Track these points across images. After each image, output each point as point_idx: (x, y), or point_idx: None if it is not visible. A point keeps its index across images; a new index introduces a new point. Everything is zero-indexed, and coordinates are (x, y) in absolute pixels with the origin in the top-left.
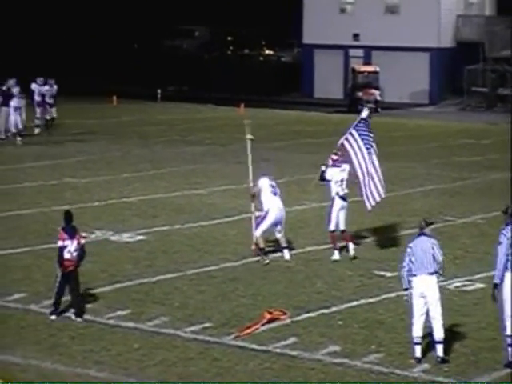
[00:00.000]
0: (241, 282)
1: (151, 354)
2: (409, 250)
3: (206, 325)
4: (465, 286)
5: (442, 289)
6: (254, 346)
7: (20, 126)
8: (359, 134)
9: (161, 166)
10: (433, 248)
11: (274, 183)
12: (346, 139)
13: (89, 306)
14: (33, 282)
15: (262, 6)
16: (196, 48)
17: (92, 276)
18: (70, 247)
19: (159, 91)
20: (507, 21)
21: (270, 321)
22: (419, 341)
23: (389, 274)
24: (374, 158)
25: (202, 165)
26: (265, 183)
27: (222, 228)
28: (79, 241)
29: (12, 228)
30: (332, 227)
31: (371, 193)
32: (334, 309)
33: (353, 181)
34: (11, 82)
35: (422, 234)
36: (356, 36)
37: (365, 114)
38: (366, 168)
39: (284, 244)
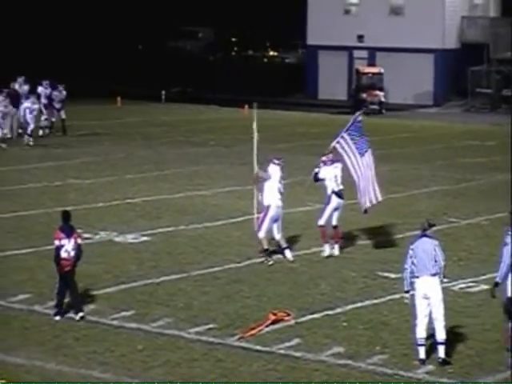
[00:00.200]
0: (245, 283)
1: (155, 355)
2: (411, 251)
3: (210, 326)
4: (469, 287)
5: (446, 290)
6: (258, 347)
7: (32, 126)
8: (351, 138)
9: (165, 167)
10: (435, 249)
11: (282, 179)
12: (338, 142)
13: (93, 306)
14: (37, 283)
15: (266, 7)
16: (200, 49)
17: (96, 277)
18: (67, 246)
19: (163, 92)
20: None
21: (274, 322)
22: (423, 342)
23: (393, 276)
24: (371, 161)
25: (205, 166)
26: (276, 174)
27: (226, 229)
28: (76, 240)
29: (16, 229)
30: (322, 222)
31: (368, 195)
32: (338, 310)
33: (346, 178)
34: (20, 80)
35: (423, 235)
36: (360, 37)
37: (358, 117)
38: (360, 171)
39: (284, 244)
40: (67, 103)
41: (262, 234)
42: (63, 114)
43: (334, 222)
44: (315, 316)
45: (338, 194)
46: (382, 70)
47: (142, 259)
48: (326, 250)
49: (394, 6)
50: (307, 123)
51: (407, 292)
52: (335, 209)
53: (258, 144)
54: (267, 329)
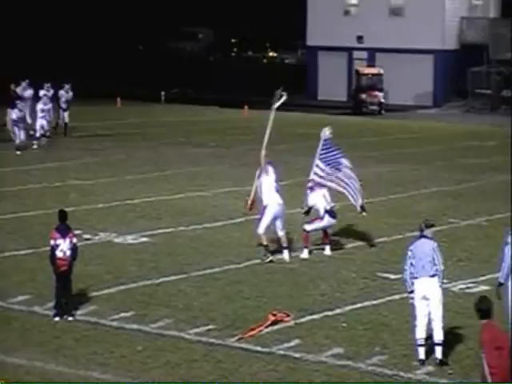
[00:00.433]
0: (245, 283)
1: (155, 356)
2: (409, 252)
3: (210, 327)
4: (469, 288)
5: (446, 291)
6: (258, 348)
7: (47, 128)
8: (324, 162)
9: (165, 168)
10: (433, 251)
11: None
12: (315, 174)
13: (93, 307)
14: (37, 284)
15: (265, 8)
16: (200, 50)
17: (96, 278)
18: (63, 246)
19: (163, 93)
20: (511, 23)
21: (273, 323)
22: (422, 342)
23: (393, 276)
24: (349, 171)
25: (205, 167)
26: (272, 173)
27: (225, 230)
28: (72, 239)
29: (16, 230)
30: (309, 229)
31: (360, 195)
32: (337, 311)
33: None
34: (24, 84)
35: (422, 236)
36: (360, 38)
37: (326, 134)
38: (345, 182)
39: (285, 244)
40: None
41: (260, 231)
42: (67, 117)
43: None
44: (315, 317)
45: (331, 214)
46: (382, 71)
47: (141, 260)
48: (305, 253)
49: (393, 7)
50: (307, 124)
51: (411, 292)
52: (327, 226)
53: (257, 145)
54: (267, 329)
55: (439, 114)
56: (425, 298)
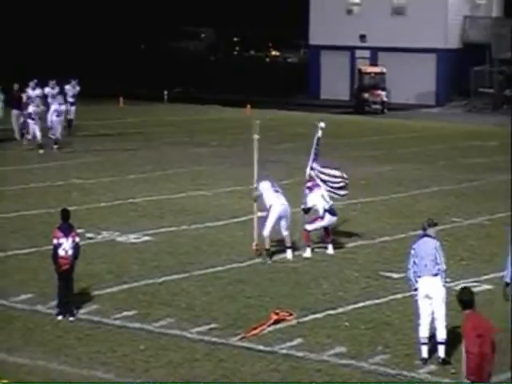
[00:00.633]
0: (247, 283)
1: (157, 355)
2: (412, 251)
3: (213, 326)
4: (471, 287)
5: (448, 290)
6: (261, 347)
7: (59, 131)
8: (316, 161)
9: (167, 167)
10: (436, 250)
11: (275, 185)
12: (313, 170)
13: (95, 306)
14: (39, 283)
15: (268, 7)
16: (202, 49)
17: (98, 277)
18: (65, 245)
19: (165, 92)
20: None
21: (276, 322)
22: (425, 341)
23: (395, 276)
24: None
25: (208, 166)
26: (265, 185)
27: (228, 229)
28: (74, 238)
29: (18, 229)
30: (310, 229)
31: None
32: (340, 310)
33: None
34: (32, 83)
35: (425, 235)
36: (363, 37)
37: (319, 133)
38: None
39: (288, 244)
40: None
41: (266, 233)
42: (73, 113)
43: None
44: (317, 316)
45: (331, 212)
46: (385, 70)
47: (144, 259)
48: (308, 252)
49: (396, 6)
50: (309, 123)
51: (415, 290)
52: (327, 225)
53: (259, 144)
54: (269, 329)
55: (442, 113)
56: (428, 296)
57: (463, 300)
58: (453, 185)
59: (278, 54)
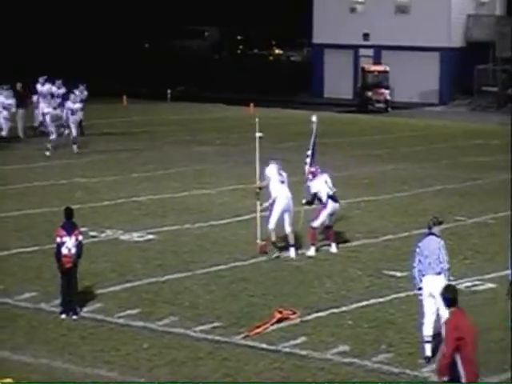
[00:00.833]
0: (250, 281)
1: (161, 354)
2: (417, 249)
3: (216, 324)
4: (475, 285)
5: None
6: (264, 346)
7: (74, 131)
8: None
9: (170, 166)
10: (439, 249)
11: (281, 171)
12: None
13: (98, 305)
14: (43, 282)
15: (271, 6)
16: (206, 48)
17: (102, 275)
18: (68, 243)
19: (169, 91)
20: None
21: (279, 320)
22: (429, 339)
23: (399, 274)
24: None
25: (211, 165)
26: (273, 171)
27: (231, 228)
28: (77, 237)
29: (22, 227)
30: (316, 225)
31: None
32: (343, 308)
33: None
34: (41, 79)
35: (430, 233)
36: (366, 35)
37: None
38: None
39: (292, 242)
40: None
41: (271, 226)
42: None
43: (329, 223)
44: (321, 314)
45: (334, 198)
46: (388, 69)
47: (147, 258)
48: (312, 251)
49: (399, 5)
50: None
51: (420, 289)
52: (331, 214)
53: (262, 143)
54: (273, 327)
55: (445, 111)
56: (431, 295)
57: (446, 298)
58: (456, 183)
59: (281, 52)
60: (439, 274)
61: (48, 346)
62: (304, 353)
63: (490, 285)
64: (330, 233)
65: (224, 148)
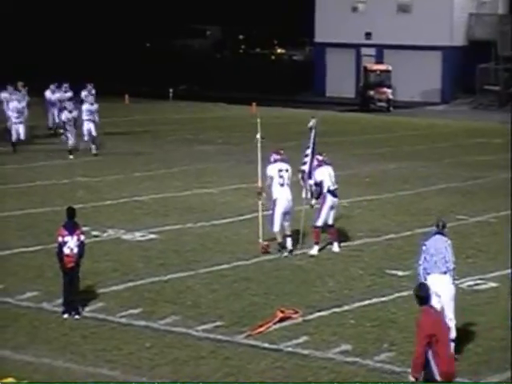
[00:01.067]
0: (253, 280)
1: (163, 353)
2: (424, 247)
3: (218, 323)
4: (477, 284)
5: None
6: (266, 345)
7: (93, 134)
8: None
9: (172, 165)
10: (446, 248)
11: (283, 172)
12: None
13: (100, 304)
14: (45, 281)
15: (273, 5)
16: (208, 47)
17: (104, 275)
18: (70, 243)
19: (171, 90)
20: None
21: (281, 319)
22: None
23: (401, 273)
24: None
25: (213, 164)
26: (274, 171)
27: (233, 227)
28: (79, 237)
29: (24, 227)
30: (319, 224)
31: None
32: (345, 308)
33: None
34: (52, 86)
35: (437, 232)
36: (368, 35)
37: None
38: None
39: (288, 232)
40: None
41: (276, 228)
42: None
43: (330, 222)
44: (323, 314)
45: (333, 193)
46: (390, 68)
47: (149, 257)
48: (315, 250)
49: (401, 4)
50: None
51: None
52: (331, 208)
53: (264, 142)
54: (275, 326)
55: (447, 110)
56: (436, 294)
57: (419, 296)
58: (458, 182)
59: (283, 51)
60: (445, 273)
61: (50, 345)
62: (306, 352)
63: (492, 284)
64: (332, 232)
65: (226, 147)
